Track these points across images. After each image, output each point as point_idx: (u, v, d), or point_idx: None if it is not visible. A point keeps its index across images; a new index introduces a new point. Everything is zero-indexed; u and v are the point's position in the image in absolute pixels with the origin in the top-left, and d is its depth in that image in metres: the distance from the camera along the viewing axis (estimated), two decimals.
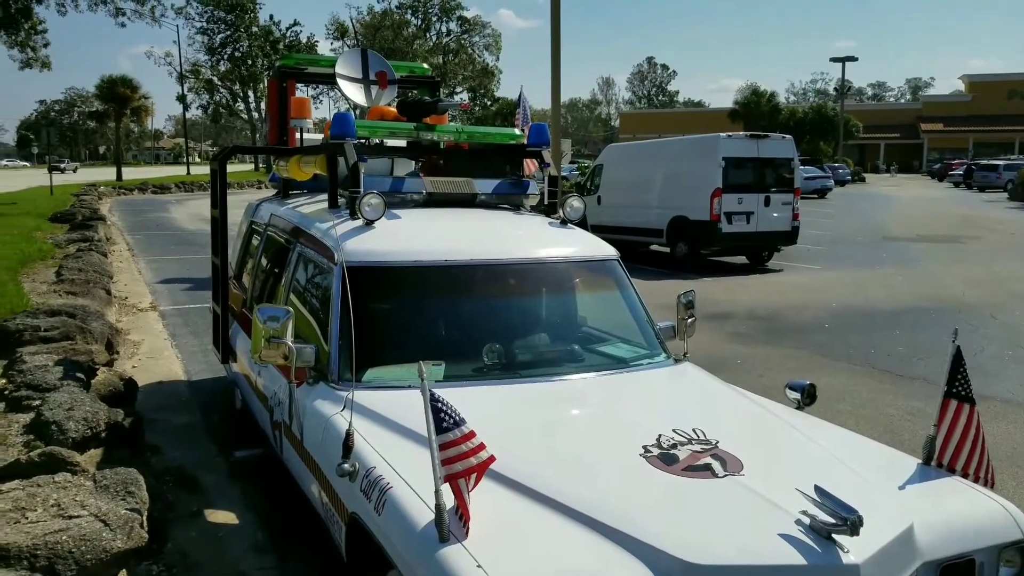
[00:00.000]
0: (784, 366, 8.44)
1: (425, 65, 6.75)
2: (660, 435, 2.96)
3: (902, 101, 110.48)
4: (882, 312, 11.47)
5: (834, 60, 62.03)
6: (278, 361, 3.65)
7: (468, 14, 69.54)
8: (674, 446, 2.89)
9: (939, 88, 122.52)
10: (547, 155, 5.00)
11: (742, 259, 16.83)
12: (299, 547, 4.21)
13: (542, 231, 4.50)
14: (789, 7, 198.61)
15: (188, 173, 56.94)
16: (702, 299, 11.84)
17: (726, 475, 2.70)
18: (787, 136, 16.88)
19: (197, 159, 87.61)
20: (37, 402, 4.72)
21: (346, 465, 2.93)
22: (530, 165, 5.32)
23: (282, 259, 5.01)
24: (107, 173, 57.21)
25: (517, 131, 5.27)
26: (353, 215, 4.22)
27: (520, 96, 9.20)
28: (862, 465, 3.02)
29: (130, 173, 57.44)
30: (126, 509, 3.39)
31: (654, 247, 17.35)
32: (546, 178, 4.92)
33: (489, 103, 65.83)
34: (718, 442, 2.94)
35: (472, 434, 2.37)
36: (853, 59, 60.77)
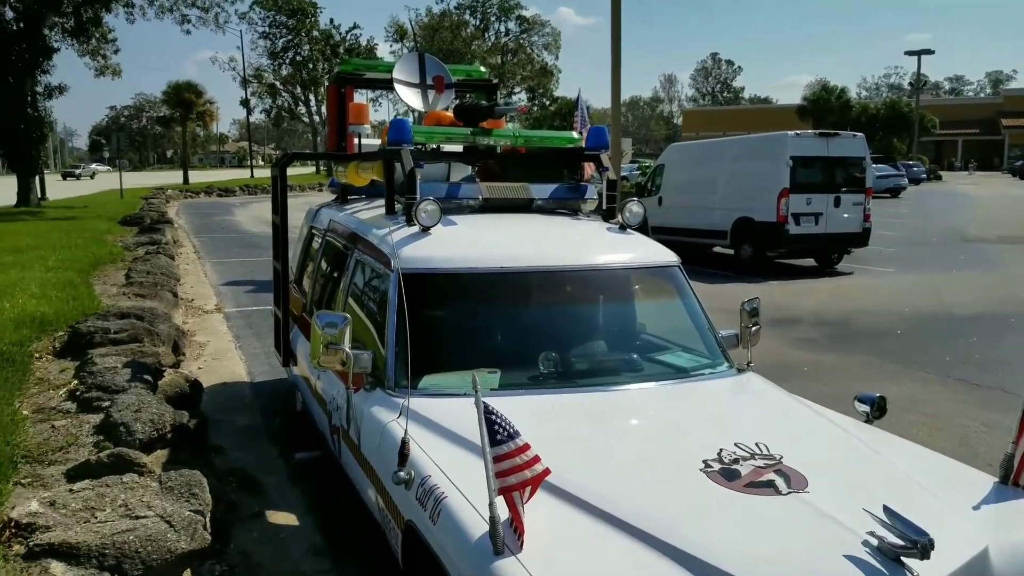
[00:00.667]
0: (853, 374, 8.20)
1: (482, 68, 6.74)
2: (721, 449, 2.88)
3: (981, 96, 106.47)
4: (958, 318, 11.05)
5: (909, 53, 60.01)
6: (336, 367, 3.68)
7: (527, 13, 69.64)
8: (736, 461, 2.80)
9: (1021, 82, 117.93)
10: (605, 159, 4.94)
11: (810, 262, 16.42)
12: (356, 551, 4.24)
13: (600, 236, 4.44)
14: (860, 1, 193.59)
15: (251, 176, 58.23)
16: (767, 303, 11.58)
17: (790, 492, 2.60)
18: (858, 134, 16.37)
19: (260, 162, 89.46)
20: (107, 403, 4.85)
21: (402, 473, 2.92)
22: (588, 169, 5.27)
23: (340, 264, 5.05)
24: (174, 176, 58.87)
25: (575, 134, 5.22)
26: (409, 221, 4.22)
27: (578, 98, 9.15)
28: (934, 483, 2.88)
29: (196, 176, 59.02)
30: (190, 511, 3.45)
31: (717, 249, 17.05)
32: (604, 182, 4.86)
33: (548, 103, 65.76)
34: (782, 457, 2.84)
35: (526, 446, 2.33)
36: (929, 52, 58.85)
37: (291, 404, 6.26)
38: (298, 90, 67.18)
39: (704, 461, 2.79)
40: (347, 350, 3.60)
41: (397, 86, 5.86)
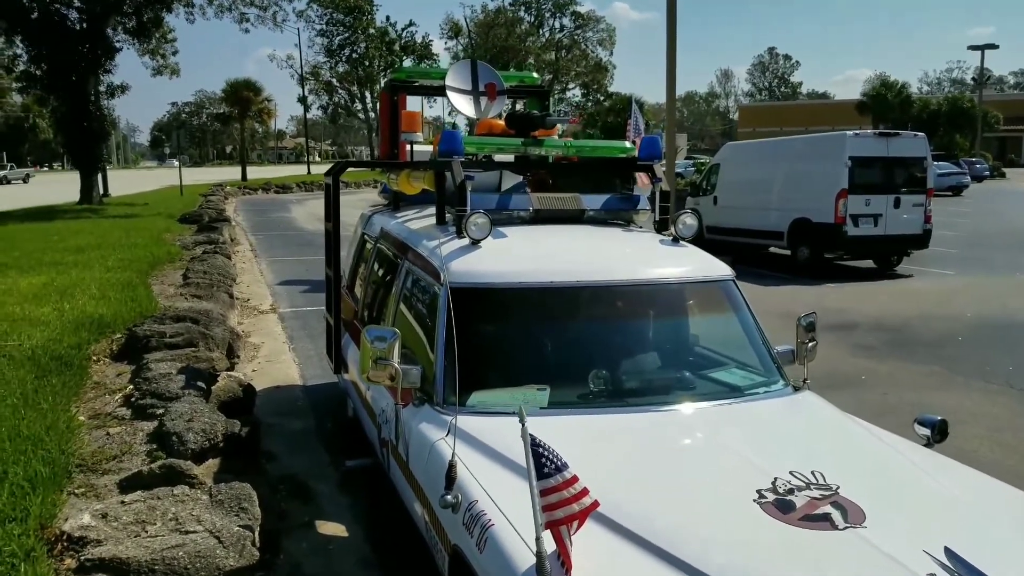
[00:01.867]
0: (912, 384, 7.96)
1: (535, 75, 6.69)
2: (776, 478, 2.79)
3: None
4: (1022, 324, 10.67)
5: (972, 48, 58.33)
6: (385, 382, 3.67)
7: (581, 9, 69.28)
8: (791, 491, 2.71)
9: None
10: (659, 169, 4.85)
11: (868, 263, 16.03)
12: (405, 565, 4.23)
13: (653, 249, 4.36)
14: None
15: (308, 172, 59.03)
16: (824, 307, 11.43)
17: (847, 527, 2.51)
18: (919, 134, 15.93)
19: (317, 158, 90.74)
20: (160, 411, 4.93)
21: (449, 496, 2.90)
22: (642, 178, 5.19)
23: (391, 274, 5.05)
24: (233, 172, 59.99)
25: (628, 143, 5.14)
26: (459, 234, 4.20)
27: (631, 107, 9.02)
28: (1001, 518, 2.76)
29: (254, 172, 60.07)
30: (239, 526, 3.48)
31: (773, 250, 16.75)
32: (657, 193, 4.77)
33: (602, 98, 65.37)
34: (839, 487, 2.74)
35: (574, 479, 2.28)
36: (994, 47, 57.30)
37: (343, 409, 6.30)
38: (354, 87, 67.88)
39: (758, 491, 2.70)
40: (396, 365, 3.59)
41: (450, 93, 5.84)
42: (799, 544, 2.45)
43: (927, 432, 3.46)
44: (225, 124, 68.45)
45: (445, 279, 3.86)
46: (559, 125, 5.40)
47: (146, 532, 3.37)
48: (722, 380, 3.93)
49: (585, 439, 3.14)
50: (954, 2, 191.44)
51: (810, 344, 4.26)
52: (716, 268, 4.29)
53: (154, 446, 4.51)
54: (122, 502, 3.66)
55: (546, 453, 2.26)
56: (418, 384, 3.70)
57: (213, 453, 4.59)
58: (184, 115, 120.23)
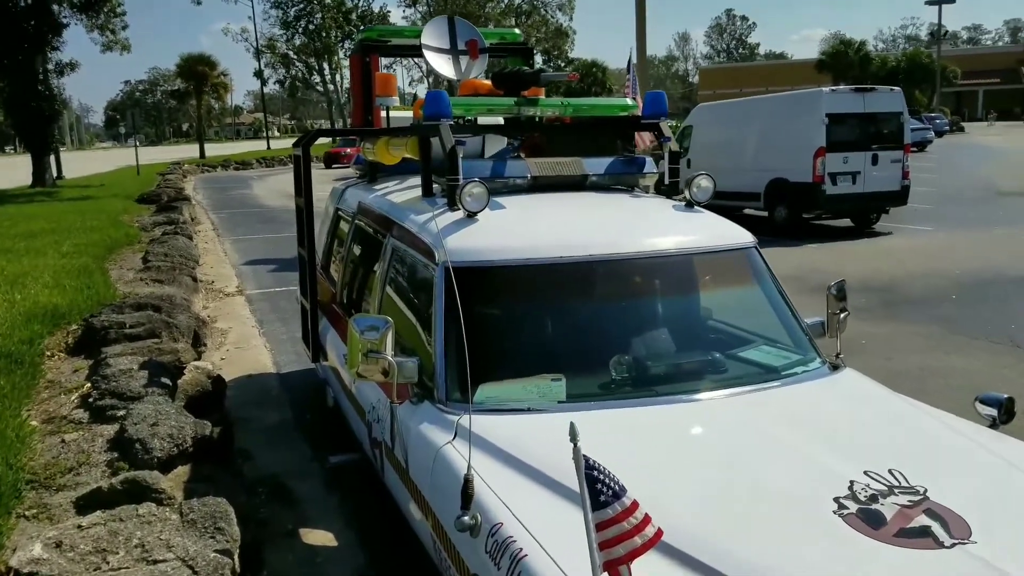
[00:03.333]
0: (914, 346, 7.67)
1: (517, 31, 6.18)
2: (852, 481, 2.39)
3: (1000, 44, 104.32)
4: (1012, 279, 10.45)
5: (930, 2, 58.25)
6: (377, 378, 3.21)
7: None
8: (874, 498, 2.31)
9: None
10: (666, 127, 4.41)
11: (846, 222, 15.80)
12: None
13: (668, 216, 3.93)
14: None
15: (268, 148, 57.77)
16: (808, 268, 11.16)
17: (955, 543, 2.10)
18: (895, 88, 15.62)
19: (276, 133, 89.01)
20: (121, 412, 4.44)
21: (466, 518, 2.46)
22: (643, 139, 4.76)
23: (374, 253, 4.58)
24: (190, 150, 58.52)
25: (629, 100, 4.68)
26: (452, 205, 3.74)
27: (629, 62, 8.53)
28: None
29: (212, 149, 58.71)
30: (215, 551, 3.02)
31: (748, 211, 16.43)
32: (666, 153, 4.33)
33: (564, 64, 64.49)
34: (926, 491, 2.35)
35: (635, 506, 1.86)
36: (950, 0, 57.11)
37: (322, 397, 5.83)
38: (312, 59, 66.34)
39: (836, 500, 2.29)
40: (390, 358, 3.14)
41: (427, 53, 5.32)
42: (904, 569, 2.04)
43: (992, 412, 3.09)
44: (181, 101, 66.57)
45: (441, 258, 3.41)
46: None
47: (107, 564, 2.90)
48: (756, 360, 3.53)
49: (616, 440, 2.72)
50: None
51: (842, 315, 3.89)
52: (738, 235, 3.88)
53: (115, 455, 4.02)
54: (79, 526, 3.17)
55: (602, 478, 1.83)
56: (415, 379, 3.25)
57: (182, 459, 4.10)
58: (138, 93, 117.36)
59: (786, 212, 15.24)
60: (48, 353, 6.07)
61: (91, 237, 12.87)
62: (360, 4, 64.30)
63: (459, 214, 3.64)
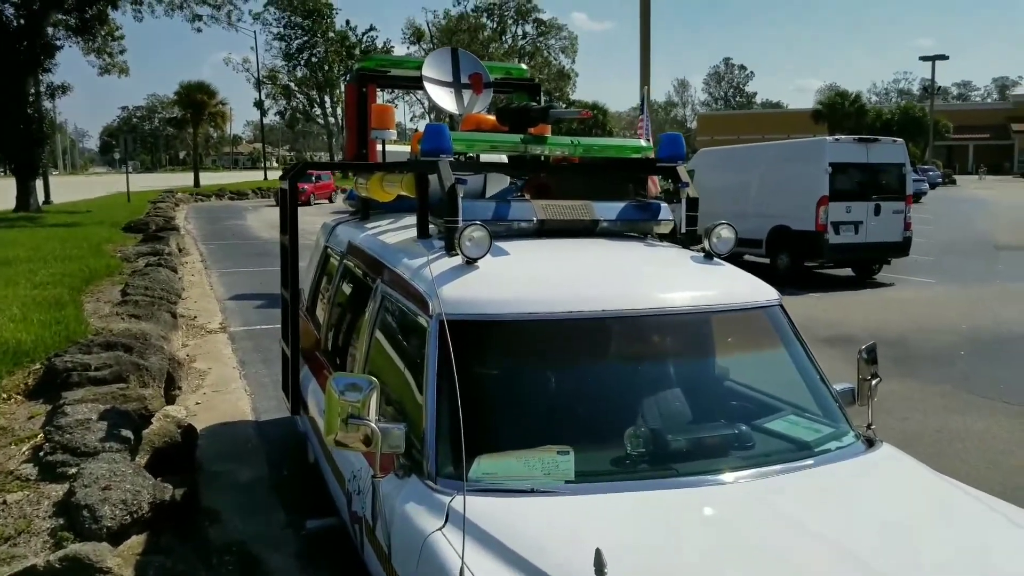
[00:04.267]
0: (928, 406, 7.29)
1: (523, 66, 5.87)
2: None
3: (989, 101, 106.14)
4: (1021, 337, 10.14)
5: (924, 59, 59.32)
6: (358, 447, 2.79)
7: (544, 16, 68.78)
8: None
9: None
10: (683, 172, 4.06)
11: (847, 272, 15.53)
12: None
13: (688, 269, 3.55)
14: (866, 6, 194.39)
15: (265, 178, 57.59)
16: (813, 318, 10.80)
17: None
18: (898, 140, 15.51)
19: (274, 164, 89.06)
20: (73, 470, 3.99)
21: None
22: (654, 183, 4.41)
23: (362, 299, 4.18)
24: (185, 178, 58.26)
25: (643, 142, 4.34)
26: (450, 250, 3.36)
27: (643, 100, 8.21)
28: None
29: (208, 178, 58.46)
30: None
31: (749, 258, 16.12)
32: (684, 200, 3.98)
33: (565, 106, 64.89)
34: None
35: None
36: (944, 57, 58.13)
37: (302, 451, 5.38)
38: (313, 92, 66.61)
39: None
40: (374, 425, 2.72)
41: (428, 85, 4.98)
42: None
43: None
44: (178, 128, 66.59)
45: (435, 309, 3.01)
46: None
47: None
48: (785, 434, 3.13)
49: (635, 531, 2.31)
50: (898, 16, 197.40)
51: (874, 381, 3.50)
52: (763, 291, 3.51)
53: (61, 521, 3.56)
54: None
55: None
56: (402, 448, 2.84)
57: (136, 528, 3.64)
58: (135, 120, 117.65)
59: (788, 260, 14.96)
60: (4, 396, 5.61)
61: (69, 267, 12.41)
62: (363, 39, 64.81)
63: (457, 260, 3.26)
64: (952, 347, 9.63)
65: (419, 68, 5.07)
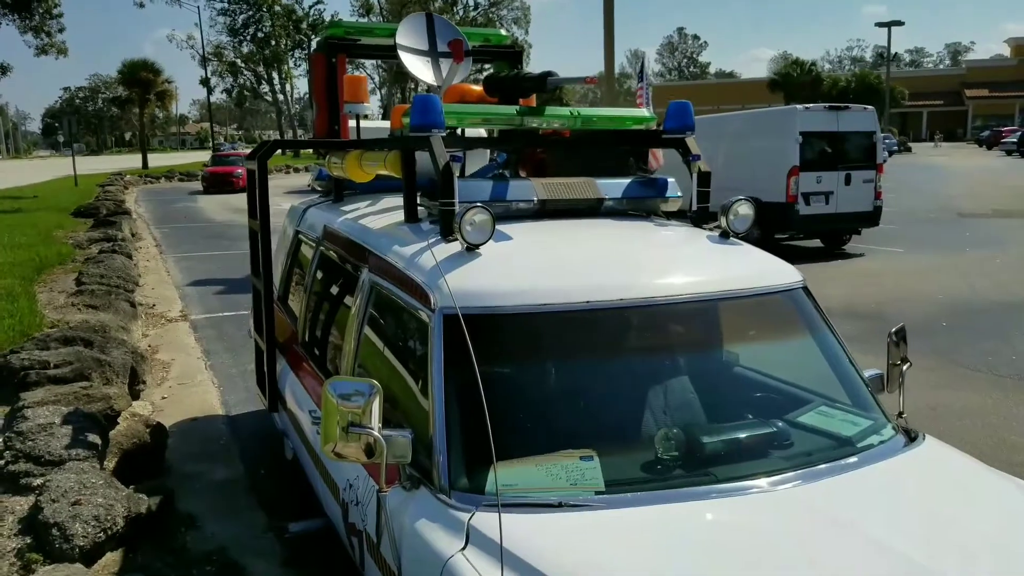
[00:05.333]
0: (918, 381, 7.07)
1: (503, 32, 5.51)
2: None
3: (941, 67, 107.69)
4: (999, 306, 10.11)
5: (879, 25, 59.39)
6: (360, 458, 2.49)
7: None
8: None
9: (979, 53, 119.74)
10: (693, 144, 3.78)
11: (815, 243, 15.46)
12: None
13: (708, 251, 3.29)
14: None
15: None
16: None
17: None
18: (868, 107, 15.36)
19: (223, 143, 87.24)
20: (39, 481, 3.63)
21: None
22: (656, 157, 4.13)
23: (345, 289, 3.87)
24: (133, 160, 56.73)
25: (645, 112, 4.05)
26: (447, 235, 3.05)
27: (641, 68, 7.87)
28: None
29: (156, 160, 56.99)
30: None
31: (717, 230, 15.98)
32: (695, 175, 3.71)
33: None
34: None
35: None
36: (899, 23, 58.27)
37: (278, 447, 5.05)
38: (260, 68, 65.05)
39: None
40: (378, 434, 2.42)
41: (402, 54, 4.63)
42: None
43: None
44: (123, 109, 64.66)
45: (439, 302, 2.71)
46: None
47: None
48: (822, 428, 2.89)
49: (686, 555, 2.06)
50: None
51: (904, 366, 3.31)
52: (786, 272, 3.27)
53: (28, 540, 3.21)
54: None
55: None
56: (408, 458, 2.54)
57: (111, 544, 3.32)
58: (78, 101, 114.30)
59: (758, 232, 14.78)
60: None
61: (18, 255, 11.79)
62: (311, 13, 63.33)
63: (456, 246, 2.95)
64: (931, 318, 9.56)
65: (392, 36, 4.70)
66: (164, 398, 6.42)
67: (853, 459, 2.70)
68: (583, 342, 2.87)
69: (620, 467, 2.56)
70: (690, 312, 3.00)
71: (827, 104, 15.66)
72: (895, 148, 51.54)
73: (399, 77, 59.13)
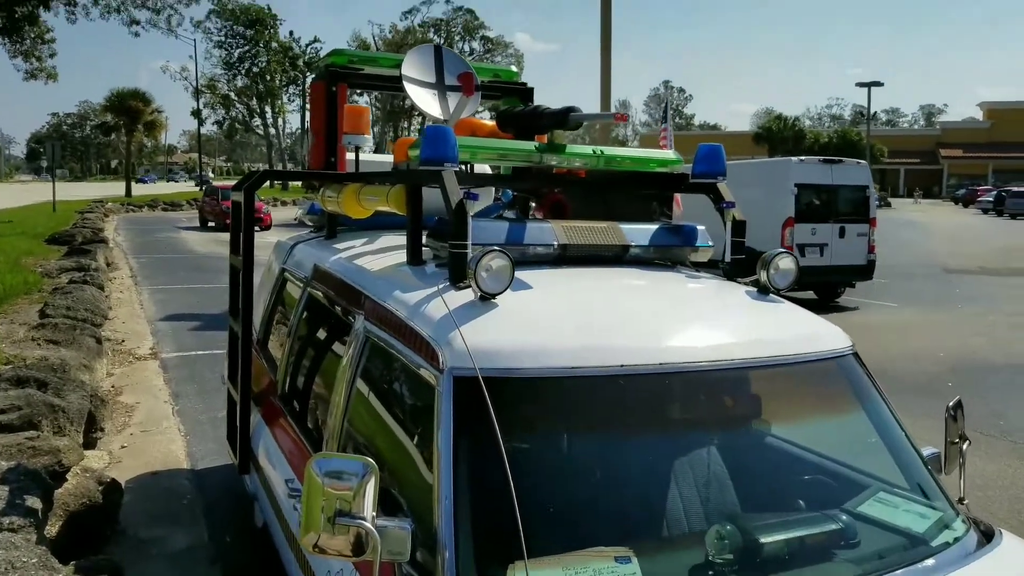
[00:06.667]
0: (932, 444, 6.79)
1: (513, 68, 5.17)
2: None
3: (915, 127, 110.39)
4: (1004, 366, 9.86)
5: (860, 85, 60.19)
6: (346, 552, 2.03)
7: (491, 34, 68.70)
8: None
9: (952, 115, 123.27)
10: (726, 189, 3.41)
11: (809, 295, 15.22)
12: None
13: (750, 309, 2.89)
14: (801, 35, 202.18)
15: (201, 188, 55.84)
16: None
17: None
18: (862, 161, 15.36)
19: (211, 174, 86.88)
20: None
21: None
22: (678, 203, 3.77)
23: (334, 338, 3.43)
24: (117, 188, 56.12)
25: (672, 154, 3.68)
26: (457, 281, 2.63)
27: (665, 106, 7.54)
28: None
29: (141, 189, 56.35)
30: None
31: None
32: (729, 223, 3.33)
33: None
34: None
35: None
36: (879, 84, 59.08)
37: (248, 511, 4.54)
38: (253, 102, 65.08)
39: None
40: (370, 526, 1.97)
41: (408, 86, 4.23)
42: None
43: None
44: (109, 135, 64.23)
45: (449, 361, 2.28)
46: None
47: None
48: (887, 522, 2.46)
49: None
50: (830, 46, 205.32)
51: (964, 445, 2.92)
52: (836, 336, 2.86)
53: None
54: None
55: None
56: (407, 556, 2.09)
57: None
58: (66, 127, 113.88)
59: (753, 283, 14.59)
60: None
61: None
62: (307, 51, 63.62)
63: (467, 295, 2.53)
64: (936, 377, 9.25)
65: (397, 67, 4.32)
66: (124, 447, 5.88)
67: (930, 562, 2.29)
68: (616, 414, 2.44)
69: (663, 571, 2.12)
70: (738, 380, 2.60)
71: (821, 157, 15.59)
72: (876, 203, 52.12)
73: (392, 116, 59.23)
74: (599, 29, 15.84)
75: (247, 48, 62.54)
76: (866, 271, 14.80)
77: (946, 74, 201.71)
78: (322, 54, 60.57)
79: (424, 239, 3.09)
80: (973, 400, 8.16)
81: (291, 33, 65.26)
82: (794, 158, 14.91)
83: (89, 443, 5.40)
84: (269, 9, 61.82)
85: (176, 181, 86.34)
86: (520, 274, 2.71)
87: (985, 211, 50.43)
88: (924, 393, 8.52)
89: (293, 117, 66.76)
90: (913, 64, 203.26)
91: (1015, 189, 49.37)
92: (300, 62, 62.85)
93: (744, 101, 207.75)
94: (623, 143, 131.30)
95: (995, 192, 51.84)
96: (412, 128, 65.38)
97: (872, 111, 66.37)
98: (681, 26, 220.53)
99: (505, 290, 2.46)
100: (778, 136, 69.62)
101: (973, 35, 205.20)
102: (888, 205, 57.79)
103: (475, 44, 67.92)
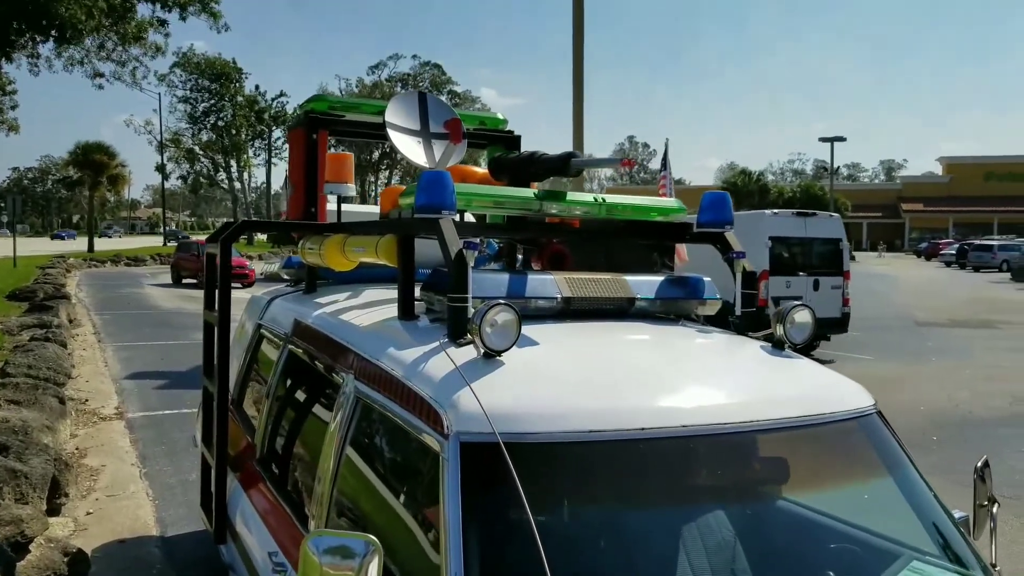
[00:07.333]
0: None
1: (499, 115, 5.07)
2: None
3: (876, 182, 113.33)
4: (984, 420, 9.83)
5: (823, 140, 61.46)
6: None
7: (458, 89, 69.54)
8: None
9: (912, 169, 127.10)
10: (734, 239, 3.29)
11: None
12: None
13: (769, 366, 2.74)
14: (764, 93, 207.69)
15: (165, 244, 55.21)
16: None
17: None
18: (835, 215, 15.51)
19: (174, 228, 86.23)
20: None
21: None
22: (680, 253, 3.64)
23: (321, 399, 3.22)
24: (79, 244, 55.29)
25: (674, 202, 3.56)
26: (456, 336, 2.46)
27: (664, 155, 7.47)
28: None
29: (104, 244, 55.60)
30: None
31: None
32: (738, 275, 3.20)
33: None
34: None
35: None
36: (842, 139, 60.39)
37: None
38: (219, 156, 64.86)
39: None
40: None
41: (391, 133, 4.10)
42: None
43: None
44: (71, 190, 63.54)
45: (454, 425, 2.09)
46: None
47: None
48: None
49: None
50: (791, 104, 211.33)
51: (994, 507, 2.78)
52: (858, 394, 2.73)
53: None
54: None
55: None
56: None
57: None
58: (27, 181, 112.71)
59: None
60: None
61: None
62: (273, 105, 63.72)
63: (469, 352, 2.36)
64: (919, 432, 9.15)
65: (380, 113, 4.20)
66: (89, 513, 5.55)
67: None
68: (636, 481, 2.26)
69: None
70: (763, 443, 2.43)
71: (795, 210, 15.72)
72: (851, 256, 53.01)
73: (360, 170, 59.25)
74: (566, 83, 15.99)
75: (212, 102, 62.54)
76: (841, 324, 14.82)
77: (906, 129, 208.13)
78: (288, 108, 60.93)
79: (417, 292, 2.92)
80: (960, 454, 8.10)
81: (257, 87, 65.22)
82: (767, 211, 15.03)
83: (53, 510, 5.09)
84: (234, 62, 62.14)
85: (109, 236, 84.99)
86: (523, 329, 2.54)
87: (948, 264, 51.40)
88: (910, 448, 8.43)
89: (259, 171, 66.73)
90: (872, 119, 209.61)
91: (977, 242, 50.48)
92: (266, 116, 62.91)
93: (708, 156, 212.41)
94: (656, 182, 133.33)
95: (957, 245, 52.94)
96: (379, 182, 65.50)
97: (835, 166, 68.13)
98: (645, 83, 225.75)
99: (511, 347, 2.29)
100: (744, 190, 70.78)
101: (930, 91, 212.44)
102: (853, 259, 58.65)
103: (442, 98, 68.88)
